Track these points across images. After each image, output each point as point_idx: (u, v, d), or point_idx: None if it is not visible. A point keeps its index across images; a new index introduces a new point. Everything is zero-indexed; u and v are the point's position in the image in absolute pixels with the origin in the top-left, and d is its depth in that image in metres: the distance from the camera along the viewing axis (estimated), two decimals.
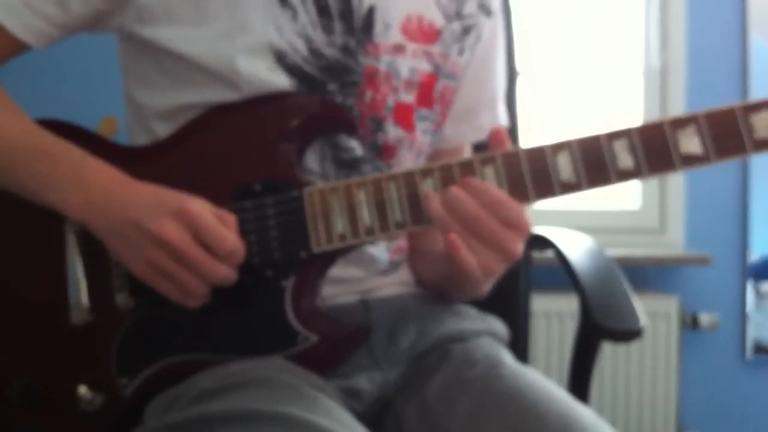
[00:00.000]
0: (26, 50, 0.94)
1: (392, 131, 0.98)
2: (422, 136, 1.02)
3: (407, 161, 1.01)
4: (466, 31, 1.03)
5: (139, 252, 0.83)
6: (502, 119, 1.13)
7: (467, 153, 1.13)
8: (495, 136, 0.85)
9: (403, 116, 0.99)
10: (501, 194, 0.82)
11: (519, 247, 0.82)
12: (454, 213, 0.81)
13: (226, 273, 0.83)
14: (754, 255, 2.44)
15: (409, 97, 0.99)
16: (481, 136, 1.11)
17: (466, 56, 1.05)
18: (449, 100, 1.05)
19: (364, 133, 0.96)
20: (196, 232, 0.82)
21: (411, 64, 0.98)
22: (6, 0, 0.91)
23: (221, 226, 0.83)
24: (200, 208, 0.83)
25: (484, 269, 0.82)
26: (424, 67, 1.00)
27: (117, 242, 0.85)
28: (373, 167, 0.97)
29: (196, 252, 0.82)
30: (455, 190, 0.82)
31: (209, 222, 0.82)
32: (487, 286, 0.96)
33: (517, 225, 0.82)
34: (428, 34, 0.99)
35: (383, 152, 0.98)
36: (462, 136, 1.11)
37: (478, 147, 1.13)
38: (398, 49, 0.97)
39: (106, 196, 0.85)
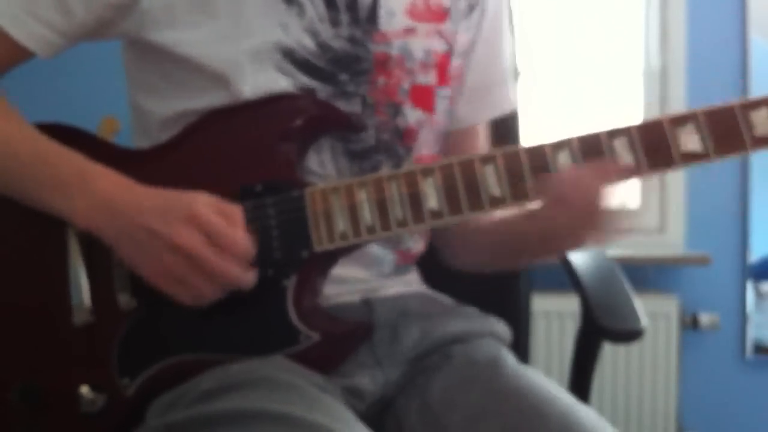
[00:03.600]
0: (29, 58, 0.94)
1: (411, 114, 0.98)
2: (442, 116, 1.02)
3: (429, 142, 1.01)
4: (471, 7, 1.04)
5: (154, 258, 0.83)
6: (513, 95, 1.14)
7: (483, 133, 1.13)
8: None
9: (423, 98, 0.99)
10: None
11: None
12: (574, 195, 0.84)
13: (239, 275, 0.83)
14: (754, 255, 2.44)
15: (428, 79, 0.99)
16: (495, 113, 1.13)
17: (472, 33, 1.05)
18: (459, 78, 1.05)
19: (383, 120, 0.97)
20: (209, 236, 0.82)
21: (425, 45, 0.98)
22: (9, 7, 0.91)
23: (231, 227, 0.83)
24: (208, 209, 0.83)
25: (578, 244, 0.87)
26: (438, 46, 1.00)
27: (129, 248, 0.85)
28: (387, 155, 0.97)
29: (212, 257, 0.82)
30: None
31: (220, 224, 0.82)
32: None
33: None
34: (437, 13, 0.99)
35: (405, 136, 0.98)
36: (476, 115, 1.11)
37: (498, 127, 1.14)
38: (409, 32, 0.97)
39: (112, 201, 0.85)
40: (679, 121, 0.82)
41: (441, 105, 1.01)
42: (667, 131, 0.82)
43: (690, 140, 0.82)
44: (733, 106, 0.82)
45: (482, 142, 1.12)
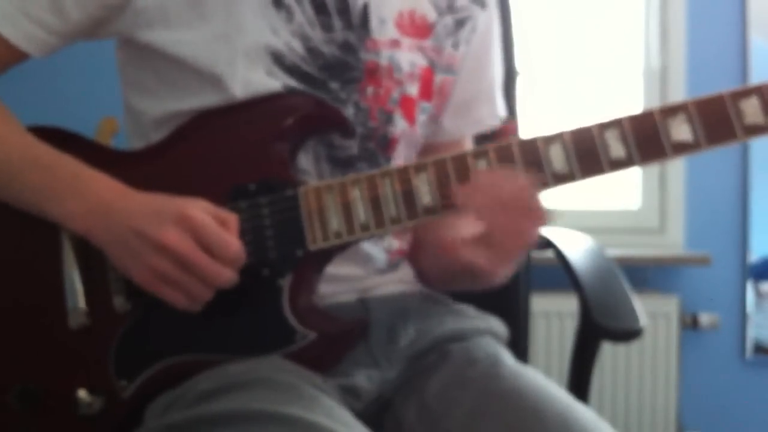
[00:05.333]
0: (24, 59, 0.94)
1: (399, 123, 0.99)
2: (420, 128, 1.02)
3: (404, 153, 1.02)
4: (460, 24, 1.04)
5: (141, 260, 0.83)
6: (501, 110, 1.14)
7: (468, 146, 1.13)
8: (503, 132, 0.85)
9: (407, 109, 1.00)
10: (526, 183, 0.83)
11: (537, 234, 0.84)
12: (483, 200, 0.83)
13: (229, 276, 0.83)
14: (754, 255, 2.44)
15: (413, 90, 0.99)
16: (481, 128, 1.13)
17: (462, 49, 1.05)
18: (447, 93, 1.05)
19: (375, 126, 0.97)
20: (199, 237, 0.82)
21: (409, 58, 0.99)
22: (3, 8, 0.91)
23: (223, 230, 0.83)
24: (201, 212, 0.83)
25: (505, 258, 0.83)
26: (421, 61, 1.00)
27: (118, 251, 0.85)
28: (369, 164, 0.97)
29: (199, 256, 0.81)
30: (482, 176, 0.83)
31: (211, 227, 0.82)
32: (501, 278, 0.94)
33: (539, 213, 0.83)
34: (420, 29, 1.00)
35: (389, 145, 0.99)
36: (461, 129, 1.11)
37: (480, 139, 1.14)
38: (395, 44, 0.97)
39: (106, 206, 0.85)
40: (670, 111, 0.83)
41: (421, 118, 1.02)
42: (658, 122, 0.83)
43: (681, 130, 0.83)
44: (723, 95, 0.83)
45: None
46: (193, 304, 0.84)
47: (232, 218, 0.84)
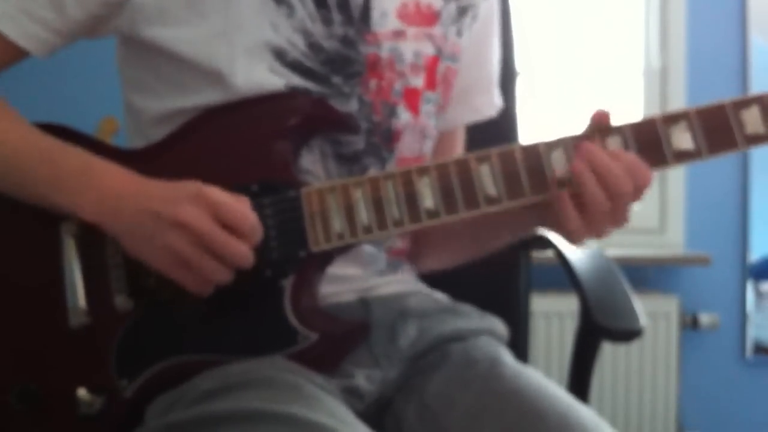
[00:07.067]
0: (24, 57, 0.94)
1: (403, 116, 0.99)
2: (426, 119, 1.02)
3: (409, 144, 1.01)
4: (463, 11, 1.04)
5: (157, 241, 0.82)
6: (498, 101, 1.14)
7: (461, 135, 1.14)
8: (598, 117, 0.85)
9: (411, 100, 0.99)
10: (639, 161, 0.83)
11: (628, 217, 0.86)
12: (597, 173, 0.82)
13: (247, 252, 0.82)
14: (754, 255, 2.44)
15: (417, 81, 0.99)
16: (478, 117, 1.13)
17: (465, 37, 1.05)
18: (451, 82, 1.05)
19: (379, 120, 0.97)
20: (216, 212, 0.81)
21: (414, 47, 0.98)
22: (2, 6, 0.91)
23: (240, 203, 0.83)
24: (216, 190, 0.82)
25: (597, 233, 0.85)
26: (428, 49, 1.00)
27: (132, 238, 0.85)
28: (376, 158, 0.97)
29: (217, 233, 0.81)
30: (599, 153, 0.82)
31: (228, 201, 0.82)
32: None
33: (643, 192, 0.84)
34: (427, 17, 1.00)
35: (392, 138, 0.99)
36: (459, 118, 1.12)
37: (496, 127, 1.14)
38: (398, 34, 0.97)
39: (118, 193, 0.85)
40: (672, 119, 0.83)
41: (426, 108, 1.01)
42: (660, 130, 0.83)
43: (682, 139, 0.83)
44: (724, 104, 0.83)
45: (459, 145, 1.13)
46: (207, 286, 0.83)
47: (244, 198, 0.84)
